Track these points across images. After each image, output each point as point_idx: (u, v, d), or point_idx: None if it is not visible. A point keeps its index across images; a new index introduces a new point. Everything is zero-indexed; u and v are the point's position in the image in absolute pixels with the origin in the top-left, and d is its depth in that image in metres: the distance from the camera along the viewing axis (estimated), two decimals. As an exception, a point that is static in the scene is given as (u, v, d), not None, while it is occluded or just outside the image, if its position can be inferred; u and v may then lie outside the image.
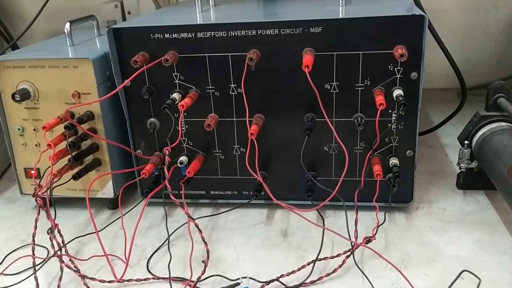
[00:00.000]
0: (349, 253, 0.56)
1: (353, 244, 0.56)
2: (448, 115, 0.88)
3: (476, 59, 1.17)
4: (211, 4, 0.81)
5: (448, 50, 0.79)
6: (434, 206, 0.70)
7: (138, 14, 1.18)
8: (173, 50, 0.64)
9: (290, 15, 0.65)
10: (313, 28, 0.61)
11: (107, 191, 0.72)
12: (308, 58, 0.59)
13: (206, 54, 0.64)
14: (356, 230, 0.58)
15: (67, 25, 0.73)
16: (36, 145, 0.71)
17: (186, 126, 0.68)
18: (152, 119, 0.68)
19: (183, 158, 0.68)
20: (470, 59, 1.16)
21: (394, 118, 0.64)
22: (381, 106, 0.58)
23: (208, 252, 0.55)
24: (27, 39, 1.18)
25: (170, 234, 0.63)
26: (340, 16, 0.62)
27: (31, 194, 0.73)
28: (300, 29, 0.61)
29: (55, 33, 0.91)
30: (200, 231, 0.56)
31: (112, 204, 0.73)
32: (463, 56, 0.79)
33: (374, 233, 0.57)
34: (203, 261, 0.59)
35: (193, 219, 0.57)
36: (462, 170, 0.70)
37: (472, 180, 0.71)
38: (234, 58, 0.64)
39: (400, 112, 0.61)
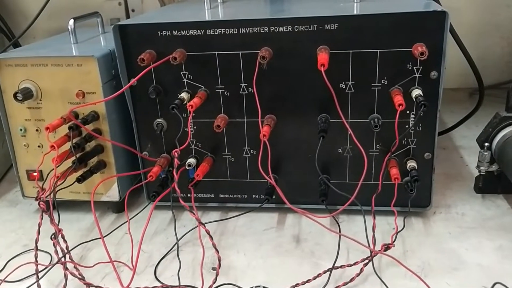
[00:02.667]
0: (367, 261, 0.54)
1: (371, 251, 0.53)
2: (459, 115, 0.85)
3: (487, 58, 1.14)
4: (219, 1, 0.78)
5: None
6: (452, 211, 0.67)
7: (142, 12, 1.16)
8: (181, 48, 0.61)
9: (303, 11, 0.62)
10: (328, 25, 0.58)
11: (112, 194, 0.69)
12: (323, 56, 0.56)
13: (216, 52, 0.61)
14: (374, 236, 0.55)
15: (71, 22, 0.71)
16: (38, 146, 0.68)
17: (195, 127, 0.66)
18: (159, 120, 0.66)
19: (191, 160, 0.66)
20: (481, 58, 1.12)
21: (412, 119, 0.61)
22: (401, 106, 0.55)
23: (219, 259, 0.53)
24: (29, 37, 1.16)
25: (178, 239, 0.60)
26: (357, 12, 0.59)
27: (33, 197, 0.71)
28: (315, 26, 0.58)
29: (57, 31, 0.88)
30: (211, 237, 0.54)
31: (117, 207, 0.71)
32: (473, 55, 0.76)
33: (393, 239, 0.55)
34: (213, 269, 0.57)
35: (204, 225, 0.54)
36: (481, 173, 0.67)
37: (492, 183, 0.69)
38: (245, 56, 0.61)
39: (419, 113, 0.58)
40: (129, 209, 0.72)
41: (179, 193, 0.53)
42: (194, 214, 0.53)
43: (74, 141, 0.63)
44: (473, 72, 0.76)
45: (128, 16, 1.13)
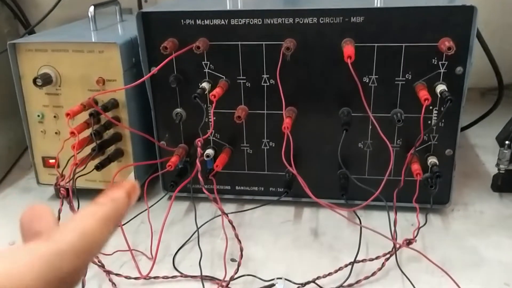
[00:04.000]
0: (388, 255, 0.53)
1: (395, 245, 0.53)
2: (471, 115, 0.85)
3: (501, 58, 1.13)
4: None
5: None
6: (470, 209, 0.67)
7: (155, 3, 1.15)
8: (204, 37, 0.61)
9: (329, 3, 0.62)
10: (354, 18, 0.58)
11: (129, 183, 0.68)
12: (349, 49, 0.55)
13: (239, 43, 0.61)
14: (395, 231, 0.55)
15: (91, 8, 0.70)
16: (56, 133, 0.68)
17: (214, 118, 0.65)
18: (178, 109, 0.65)
19: (210, 151, 0.65)
20: (495, 57, 1.12)
21: (435, 115, 0.61)
22: (427, 101, 0.55)
23: (241, 250, 0.52)
24: (40, 27, 1.15)
25: (198, 227, 0.59)
26: (384, 5, 0.58)
27: (48, 184, 0.70)
28: (341, 18, 0.58)
29: (69, 21, 0.88)
30: (234, 227, 0.53)
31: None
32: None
33: (415, 235, 0.54)
34: (232, 260, 0.56)
35: (227, 215, 0.54)
36: (500, 171, 0.67)
37: (510, 182, 0.68)
38: (268, 47, 0.60)
39: (442, 109, 0.58)
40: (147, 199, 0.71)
41: (203, 182, 0.52)
42: (217, 204, 0.52)
43: (95, 127, 0.62)
44: (494, 71, 0.75)
45: (140, 7, 1.12)
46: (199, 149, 0.55)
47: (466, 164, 0.79)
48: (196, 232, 0.60)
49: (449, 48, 0.54)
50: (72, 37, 0.68)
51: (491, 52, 0.75)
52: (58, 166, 0.66)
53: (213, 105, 0.59)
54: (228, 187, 0.70)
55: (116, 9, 0.79)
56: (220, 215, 0.55)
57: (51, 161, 0.68)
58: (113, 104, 0.63)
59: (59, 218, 0.54)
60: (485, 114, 0.80)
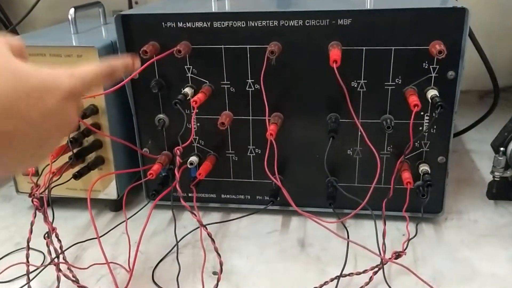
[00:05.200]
0: (377, 269, 0.51)
1: (382, 259, 0.50)
2: (469, 118, 0.82)
3: (497, 61, 1.11)
4: (226, -7, 0.75)
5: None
6: (464, 218, 0.64)
7: (146, 3, 1.13)
8: (186, 40, 0.58)
9: (315, 5, 0.59)
10: (342, 20, 0.55)
11: (110, 192, 0.66)
12: (335, 52, 0.53)
13: (222, 46, 0.59)
14: (384, 243, 0.53)
15: (72, 11, 0.68)
16: (34, 140, 0.65)
17: (198, 124, 0.63)
18: (161, 115, 0.63)
19: (193, 159, 0.63)
20: (491, 60, 1.10)
21: (426, 121, 0.58)
22: (416, 107, 0.53)
23: (221, 264, 0.50)
24: (29, 27, 1.13)
25: (178, 241, 0.57)
26: (372, 7, 0.56)
27: (27, 193, 0.68)
28: (327, 20, 0.55)
29: (58, 22, 0.86)
30: (213, 240, 0.51)
31: (115, 206, 0.68)
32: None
33: (405, 247, 0.52)
34: (214, 273, 0.54)
35: (205, 227, 0.51)
36: (495, 179, 0.64)
37: (505, 190, 0.66)
38: (252, 50, 0.58)
39: (434, 115, 0.56)
40: (127, 208, 0.69)
41: (181, 193, 0.50)
42: (195, 215, 0.50)
43: (71, 135, 0.60)
44: (488, 74, 0.73)
45: (131, 8, 1.10)
46: (178, 159, 0.53)
47: (461, 170, 0.77)
48: (177, 244, 0.57)
49: (440, 52, 0.52)
50: (50, 40, 0.65)
51: (486, 55, 0.73)
52: (37, 175, 0.64)
53: (194, 111, 0.56)
54: (213, 196, 0.67)
55: (99, 12, 0.77)
56: (206, 227, 0.53)
57: (29, 169, 0.66)
58: (92, 111, 0.61)
59: (31, 231, 0.52)
60: (481, 118, 0.78)
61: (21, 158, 0.32)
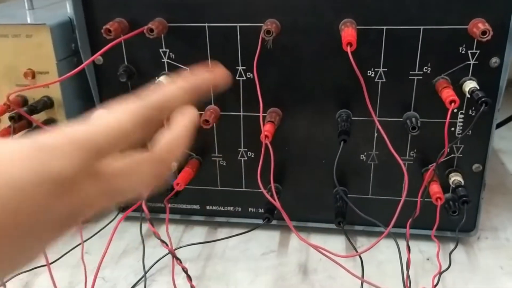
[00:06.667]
0: (400, 312, 0.40)
1: (408, 301, 0.39)
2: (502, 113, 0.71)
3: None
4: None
5: None
6: (501, 236, 0.53)
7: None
8: (161, 17, 0.47)
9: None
10: (357, -9, 0.43)
11: (72, 202, 0.55)
12: (350, 33, 0.41)
13: (206, 24, 0.47)
14: (408, 276, 0.42)
15: (25, -19, 0.56)
16: (-22, 139, 0.54)
17: (177, 121, 0.51)
18: (132, 110, 0.51)
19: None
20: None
21: (460, 119, 0.47)
22: (453, 104, 0.41)
23: (199, 308, 0.39)
24: None
25: (148, 269, 0.46)
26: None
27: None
28: (339, -8, 0.44)
29: None
30: (189, 277, 0.40)
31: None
32: None
33: (435, 283, 0.41)
34: (192, 312, 0.43)
35: (179, 260, 0.40)
36: (539, 190, 0.53)
37: (550, 202, 0.55)
38: (244, 30, 0.46)
39: (477, 114, 0.44)
40: (95, 220, 0.58)
41: (148, 215, 0.39)
42: (166, 244, 0.39)
43: (20, 133, 0.49)
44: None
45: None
46: (145, 168, 0.41)
47: (490, 175, 0.65)
48: (145, 275, 0.46)
49: (483, 33, 0.40)
50: (-4, 17, 0.54)
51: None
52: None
53: (169, 107, 0.44)
54: (197, 207, 0.56)
55: (64, -16, 0.64)
56: (180, 261, 0.41)
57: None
58: (46, 103, 0.50)
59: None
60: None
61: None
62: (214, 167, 0.53)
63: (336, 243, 0.53)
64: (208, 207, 0.56)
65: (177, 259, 0.39)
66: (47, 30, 0.48)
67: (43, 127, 0.47)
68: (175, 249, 0.50)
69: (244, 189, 0.54)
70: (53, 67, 0.49)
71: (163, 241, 0.39)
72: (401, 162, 0.43)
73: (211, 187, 0.54)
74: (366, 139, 0.49)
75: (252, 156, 0.52)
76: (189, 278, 0.39)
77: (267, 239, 0.54)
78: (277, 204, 0.44)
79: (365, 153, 0.50)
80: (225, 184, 0.54)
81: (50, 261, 0.46)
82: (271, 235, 0.55)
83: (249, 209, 0.55)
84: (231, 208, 0.55)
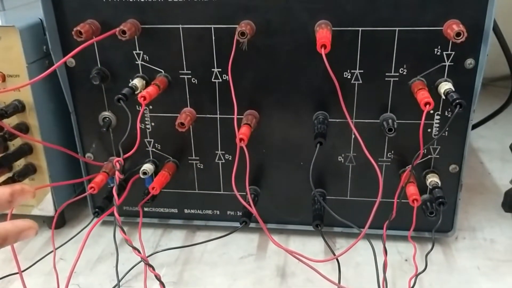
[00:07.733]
0: (376, 315, 0.39)
1: (384, 305, 0.39)
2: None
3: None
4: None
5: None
6: (478, 236, 0.53)
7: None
8: (133, 18, 0.46)
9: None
10: (332, -8, 0.43)
11: (45, 206, 0.54)
12: (324, 34, 0.41)
13: (180, 26, 0.46)
14: (384, 278, 0.41)
15: (-5, -19, 0.55)
16: None
17: (152, 124, 0.51)
18: (106, 113, 0.50)
19: (148, 167, 0.51)
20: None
21: (437, 120, 0.47)
22: (428, 105, 0.41)
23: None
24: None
25: (122, 277, 0.45)
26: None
27: None
28: (314, -7, 0.43)
29: None
30: (162, 284, 0.39)
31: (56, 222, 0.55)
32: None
33: (412, 285, 0.41)
34: (168, 319, 0.42)
35: (152, 268, 0.39)
36: (516, 189, 0.53)
37: (527, 202, 0.55)
38: (218, 31, 0.46)
39: (451, 115, 0.43)
40: (71, 225, 0.57)
41: (120, 222, 0.38)
42: (139, 252, 0.38)
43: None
44: (507, 61, 0.61)
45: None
46: (117, 174, 0.40)
47: (469, 174, 0.65)
48: (119, 284, 0.45)
49: (458, 34, 0.40)
50: (-36, 19, 0.52)
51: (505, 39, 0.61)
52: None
53: (142, 109, 0.44)
54: (175, 211, 0.55)
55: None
56: (154, 268, 0.40)
57: None
58: (17, 107, 0.48)
59: None
60: (495, 112, 0.66)
61: None
62: (191, 170, 0.52)
63: (315, 245, 0.53)
64: (186, 211, 0.55)
65: (150, 266, 0.39)
66: (16, 32, 0.46)
67: (14, 132, 0.46)
68: (151, 255, 0.49)
69: (222, 192, 0.53)
70: (23, 70, 0.47)
71: (135, 248, 0.38)
72: (375, 164, 0.42)
73: (189, 190, 0.54)
74: (343, 141, 0.49)
75: (230, 158, 0.51)
76: (162, 285, 0.38)
77: (246, 242, 0.54)
78: (253, 210, 0.43)
79: (343, 155, 0.50)
80: (203, 187, 0.53)
81: (22, 269, 0.45)
82: (250, 238, 0.54)
83: (228, 212, 0.54)
84: (210, 212, 0.55)
